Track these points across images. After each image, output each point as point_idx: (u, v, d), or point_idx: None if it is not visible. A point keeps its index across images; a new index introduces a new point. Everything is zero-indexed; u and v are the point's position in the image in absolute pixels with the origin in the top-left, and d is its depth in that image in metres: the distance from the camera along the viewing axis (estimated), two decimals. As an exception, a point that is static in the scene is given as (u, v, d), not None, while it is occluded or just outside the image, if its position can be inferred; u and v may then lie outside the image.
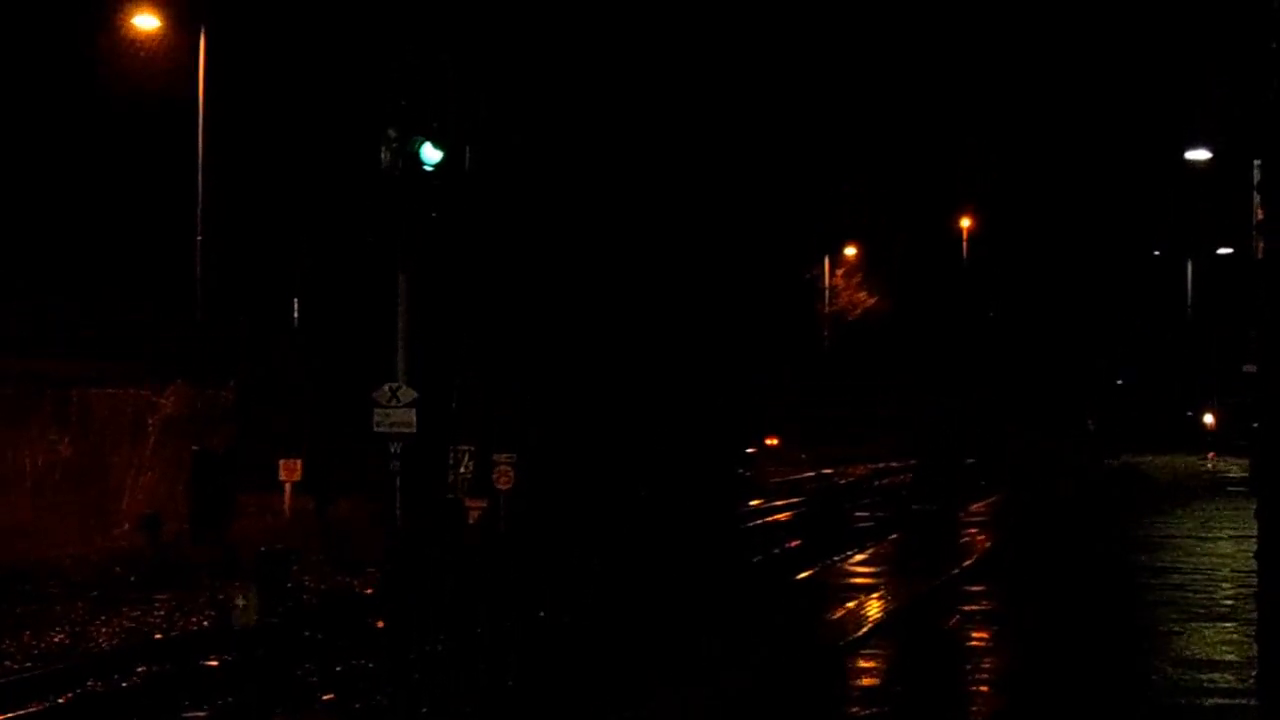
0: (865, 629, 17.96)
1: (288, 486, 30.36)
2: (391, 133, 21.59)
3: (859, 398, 77.57)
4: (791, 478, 50.87)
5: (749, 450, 56.66)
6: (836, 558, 26.91)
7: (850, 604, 20.02)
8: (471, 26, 36.17)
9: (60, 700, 15.36)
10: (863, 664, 16.05)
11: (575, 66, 42.83)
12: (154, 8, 34.61)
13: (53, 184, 37.11)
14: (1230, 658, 15.53)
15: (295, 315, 38.92)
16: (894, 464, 62.37)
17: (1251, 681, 12.73)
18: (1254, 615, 8.61)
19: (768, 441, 63.27)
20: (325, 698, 15.65)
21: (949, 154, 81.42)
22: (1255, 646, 7.50)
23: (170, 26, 34.97)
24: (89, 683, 16.05)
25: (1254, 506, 8.60)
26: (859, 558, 26.72)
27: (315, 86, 38.05)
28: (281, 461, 30.37)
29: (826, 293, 78.43)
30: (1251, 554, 9.90)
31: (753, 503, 41.59)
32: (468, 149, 29.13)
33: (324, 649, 17.97)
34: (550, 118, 41.78)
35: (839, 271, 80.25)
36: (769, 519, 37.22)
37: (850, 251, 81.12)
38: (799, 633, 18.17)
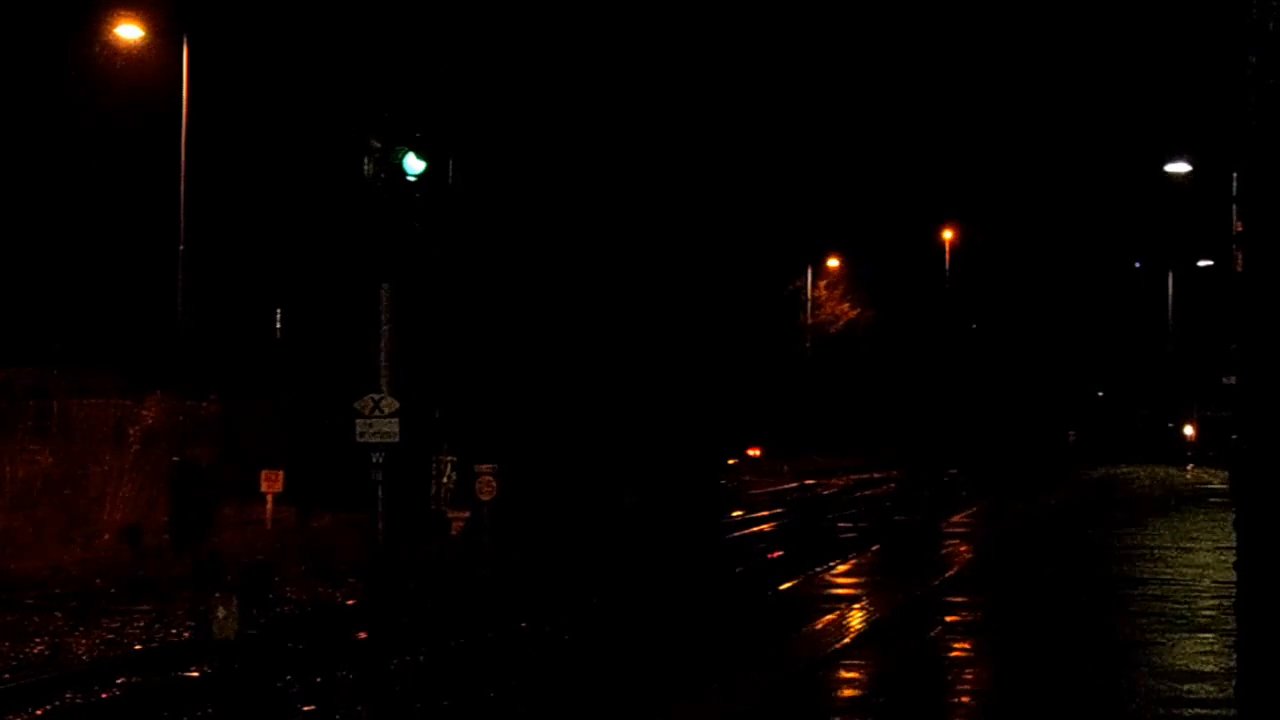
0: (847, 639, 17.96)
1: (269, 497, 30.30)
2: (375, 143, 21.63)
3: (841, 409, 77.67)
4: (773, 488, 50.87)
5: (730, 461, 56.69)
6: (819, 568, 26.92)
7: (832, 614, 20.02)
8: (455, 40, 36.21)
9: (38, 711, 15.30)
10: (845, 674, 16.05)
11: (559, 78, 42.86)
12: (137, 18, 34.60)
13: (35, 193, 37.04)
14: (1210, 668, 15.55)
15: (278, 325, 38.87)
16: (876, 475, 62.42)
17: (1231, 692, 12.77)
18: (1233, 626, 8.64)
19: (749, 452, 63.32)
20: (306, 709, 15.62)
21: (932, 166, 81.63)
22: (1234, 657, 7.53)
23: (153, 36, 34.91)
24: (67, 694, 15.99)
25: (1233, 517, 8.63)
26: (841, 568, 26.73)
27: (300, 96, 38.05)
28: (263, 472, 30.32)
29: (809, 304, 78.54)
30: (1231, 565, 9.94)
31: (735, 514, 41.59)
32: (451, 160, 29.18)
33: (305, 660, 17.92)
34: (534, 127, 41.80)
35: (821, 283, 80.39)
36: (751, 530, 37.21)
37: (833, 263, 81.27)
38: (781, 643, 18.16)
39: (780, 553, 31.22)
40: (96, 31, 35.91)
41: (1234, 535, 8.63)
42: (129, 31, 34.89)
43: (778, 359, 72.32)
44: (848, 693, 15.40)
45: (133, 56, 36.07)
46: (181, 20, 33.45)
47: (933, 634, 18.66)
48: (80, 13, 36.40)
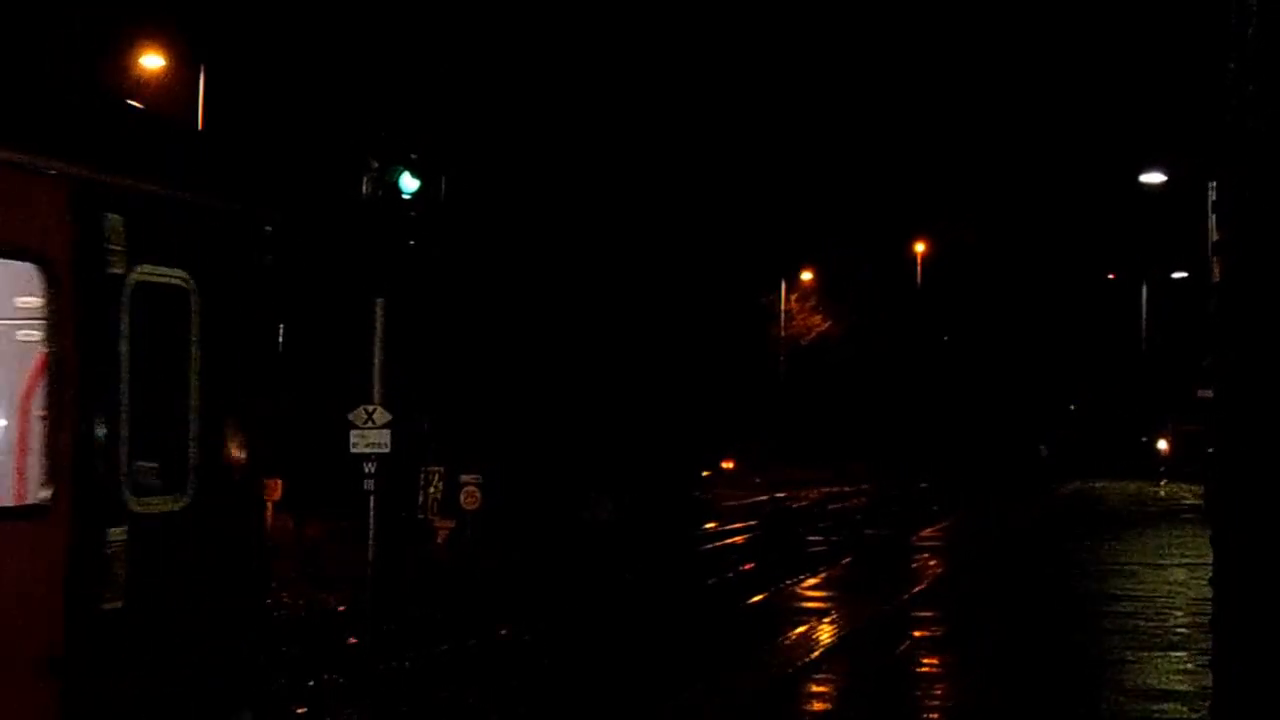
0: (817, 653, 17.93)
1: (269, 505, 30.35)
2: (373, 163, 21.88)
3: (814, 421, 77.79)
4: (746, 501, 50.93)
5: (704, 473, 56.74)
6: (789, 581, 27.00)
7: (802, 628, 20.01)
8: (447, 64, 36.42)
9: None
10: (814, 688, 16.03)
11: (539, 98, 43.05)
12: (159, 49, 38.50)
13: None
14: (1182, 688, 15.49)
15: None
16: (847, 488, 62.48)
17: (1204, 712, 12.79)
18: (1207, 644, 8.65)
19: (723, 464, 63.42)
20: (298, 710, 15.74)
21: (904, 179, 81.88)
22: (1207, 676, 7.53)
23: (172, 62, 38.33)
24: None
25: (1208, 534, 8.65)
26: (811, 582, 26.79)
27: (301, 116, 38.39)
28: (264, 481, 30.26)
29: (782, 317, 78.69)
30: (1204, 582, 9.95)
31: (707, 526, 41.68)
32: (444, 178, 29.45)
33: (297, 663, 18.04)
34: (517, 147, 41.98)
35: (794, 296, 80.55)
36: (724, 542, 37.31)
37: (806, 276, 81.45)
38: (751, 656, 18.19)
39: (752, 565, 31.31)
40: (124, 60, 38.15)
41: (1207, 552, 8.67)
42: (153, 61, 38.48)
43: (751, 372, 72.43)
44: (817, 706, 15.40)
45: (157, 82, 38.37)
46: (198, 50, 35.95)
47: (902, 649, 18.65)
48: (110, 43, 38.09)
